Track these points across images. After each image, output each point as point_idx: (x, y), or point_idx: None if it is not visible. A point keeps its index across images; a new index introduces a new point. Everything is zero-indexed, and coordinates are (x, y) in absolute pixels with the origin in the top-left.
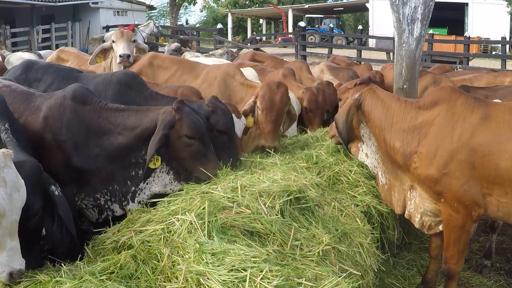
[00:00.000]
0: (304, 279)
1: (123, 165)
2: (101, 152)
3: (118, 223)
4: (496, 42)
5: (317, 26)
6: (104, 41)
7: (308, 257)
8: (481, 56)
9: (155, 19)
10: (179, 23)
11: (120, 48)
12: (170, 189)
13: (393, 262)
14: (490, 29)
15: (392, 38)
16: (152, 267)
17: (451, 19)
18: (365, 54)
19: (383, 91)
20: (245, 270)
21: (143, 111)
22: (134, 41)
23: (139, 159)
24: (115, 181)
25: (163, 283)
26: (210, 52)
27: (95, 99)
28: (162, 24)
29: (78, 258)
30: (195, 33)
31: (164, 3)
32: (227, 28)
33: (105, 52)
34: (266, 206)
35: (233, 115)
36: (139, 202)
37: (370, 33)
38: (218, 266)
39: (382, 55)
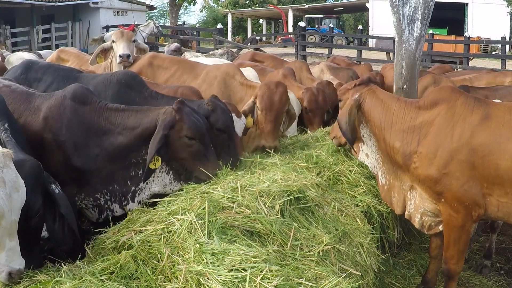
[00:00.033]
0: (304, 279)
1: (123, 165)
2: (101, 152)
3: (118, 223)
4: (496, 42)
5: (317, 26)
6: (104, 41)
7: (308, 257)
8: (481, 56)
9: (155, 19)
10: (179, 23)
11: (120, 48)
12: (170, 189)
13: (393, 262)
14: (490, 29)
15: (392, 38)
16: (152, 267)
17: (451, 19)
18: (365, 54)
19: (382, 91)
20: (245, 270)
21: (143, 111)
22: (134, 41)
23: (139, 159)
24: (115, 181)
25: (163, 283)
26: (210, 52)
27: (95, 99)
28: (162, 24)
29: (78, 258)
30: (195, 33)
31: (164, 3)
32: (227, 28)
33: (106, 52)
34: (266, 206)
35: (233, 114)
36: (139, 202)
37: (370, 33)
38: (218, 266)
39: (382, 55)
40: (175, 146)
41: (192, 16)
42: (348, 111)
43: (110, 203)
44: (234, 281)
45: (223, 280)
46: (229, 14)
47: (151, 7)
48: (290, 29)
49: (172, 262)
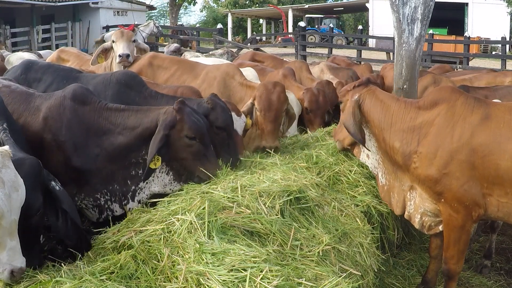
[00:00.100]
0: (304, 279)
1: (123, 165)
2: (101, 152)
3: (118, 223)
4: (496, 42)
5: (317, 26)
6: (104, 42)
7: (308, 257)
8: (481, 56)
9: (155, 19)
10: (179, 23)
11: (120, 48)
12: (170, 189)
13: (393, 262)
14: (490, 29)
15: (392, 38)
16: (152, 267)
17: (451, 19)
18: (365, 54)
19: (382, 92)
20: (245, 270)
21: (144, 111)
22: (134, 41)
23: (139, 159)
24: (115, 181)
25: (163, 283)
26: (210, 52)
27: (95, 99)
28: (162, 24)
29: (84, 252)
30: (195, 33)
31: (164, 3)
32: (227, 28)
33: (106, 52)
34: (266, 206)
35: (233, 113)
36: (139, 202)
37: (370, 33)
38: (218, 266)
39: (382, 55)
40: (175, 146)
41: (192, 16)
42: (351, 113)
43: (110, 203)
44: (234, 281)
45: (223, 280)
46: (229, 14)
47: (151, 7)
48: (290, 29)
49: (172, 262)
